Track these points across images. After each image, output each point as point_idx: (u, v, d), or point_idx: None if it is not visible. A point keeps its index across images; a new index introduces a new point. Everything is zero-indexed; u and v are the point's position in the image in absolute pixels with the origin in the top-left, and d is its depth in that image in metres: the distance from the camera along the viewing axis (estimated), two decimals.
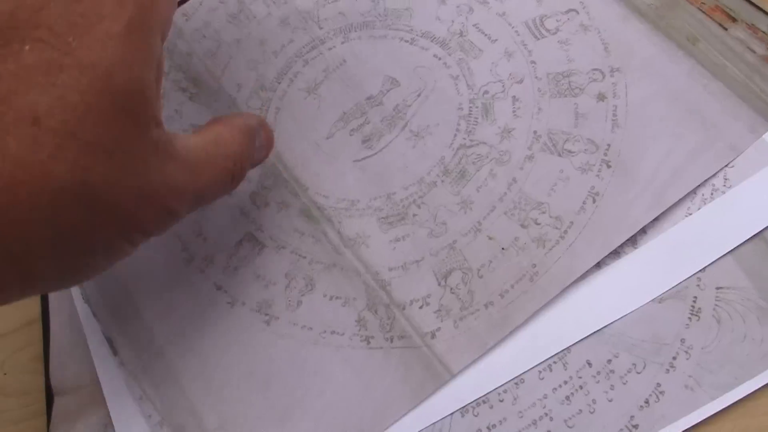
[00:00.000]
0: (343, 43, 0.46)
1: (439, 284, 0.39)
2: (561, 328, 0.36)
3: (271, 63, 0.46)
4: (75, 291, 0.43)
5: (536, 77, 0.42)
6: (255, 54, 0.46)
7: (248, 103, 0.45)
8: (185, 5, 0.48)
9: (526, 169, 0.40)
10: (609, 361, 0.35)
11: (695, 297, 0.36)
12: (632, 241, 0.39)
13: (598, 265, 0.39)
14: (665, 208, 0.39)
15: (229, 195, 0.38)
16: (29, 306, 0.43)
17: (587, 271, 0.38)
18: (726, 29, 0.42)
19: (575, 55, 0.42)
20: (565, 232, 0.38)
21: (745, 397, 0.34)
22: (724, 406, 0.34)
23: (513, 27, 0.44)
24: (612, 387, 0.35)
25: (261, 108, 0.45)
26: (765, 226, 0.37)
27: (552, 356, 0.36)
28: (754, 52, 0.41)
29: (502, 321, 0.36)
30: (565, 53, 0.42)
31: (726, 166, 0.39)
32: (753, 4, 0.42)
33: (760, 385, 0.34)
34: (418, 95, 0.43)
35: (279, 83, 0.45)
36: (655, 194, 0.39)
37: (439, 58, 0.44)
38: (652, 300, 0.37)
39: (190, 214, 0.32)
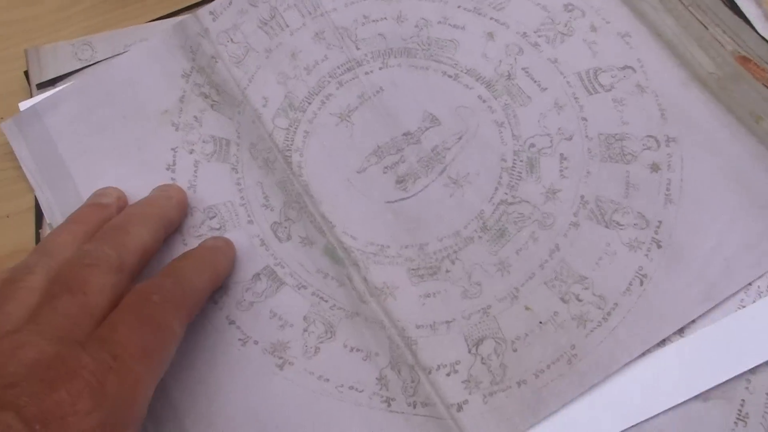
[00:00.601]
0: (381, 68, 0.40)
1: (470, 351, 0.36)
2: (596, 418, 0.33)
3: (302, 80, 0.41)
4: None
5: (587, 136, 0.37)
6: (285, 67, 0.41)
7: (274, 121, 0.39)
8: (214, 3, 0.42)
9: (570, 236, 0.35)
10: None
11: (743, 400, 0.32)
12: (679, 328, 0.35)
13: None
14: (718, 302, 0.35)
15: (249, 222, 0.38)
16: None
17: None
18: None
19: (629, 118, 0.38)
20: (609, 313, 0.34)
21: None
22: None
23: (565, 77, 0.39)
24: None
25: (288, 128, 0.39)
26: None
27: None
28: None
29: (536, 404, 0.33)
30: (619, 114, 0.38)
31: None
32: None
33: None
34: (459, 138, 0.38)
35: (309, 104, 0.40)
36: (708, 285, 0.36)
37: (484, 100, 0.39)
38: (696, 397, 0.34)
39: None
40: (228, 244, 0.38)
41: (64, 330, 0.29)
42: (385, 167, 0.39)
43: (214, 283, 0.37)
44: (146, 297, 0.32)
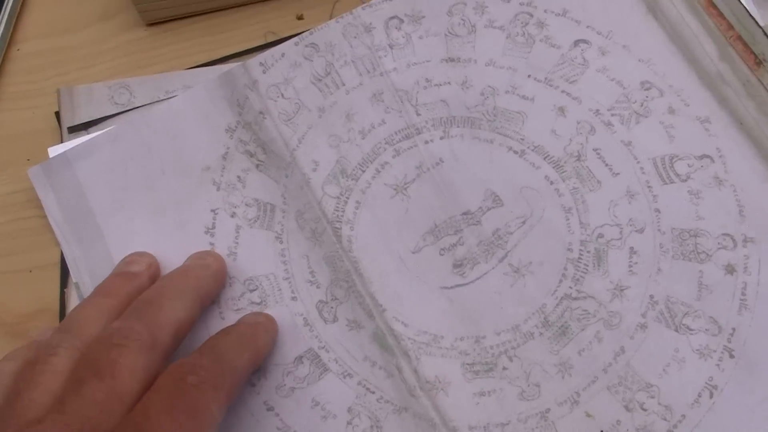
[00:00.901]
0: (442, 138, 0.42)
1: None
2: None
3: (356, 144, 0.43)
4: None
5: (659, 230, 0.40)
6: (339, 129, 0.43)
7: (324, 188, 0.41)
8: (264, 54, 0.44)
9: (637, 339, 0.38)
10: None
11: None
12: None
13: None
14: None
15: (293, 299, 0.39)
16: None
17: None
18: None
19: (705, 213, 0.40)
20: (675, 426, 0.36)
21: None
22: None
23: (638, 162, 0.41)
24: None
25: (339, 197, 0.41)
26: None
27: None
28: None
29: None
30: (694, 207, 0.40)
31: None
32: None
33: None
34: (523, 222, 0.40)
35: (363, 171, 0.42)
36: None
37: (551, 182, 0.41)
38: None
39: None
40: (270, 320, 0.40)
41: (92, 419, 0.30)
42: (442, 249, 0.40)
43: (255, 362, 0.38)
44: (182, 378, 0.33)
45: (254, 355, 0.38)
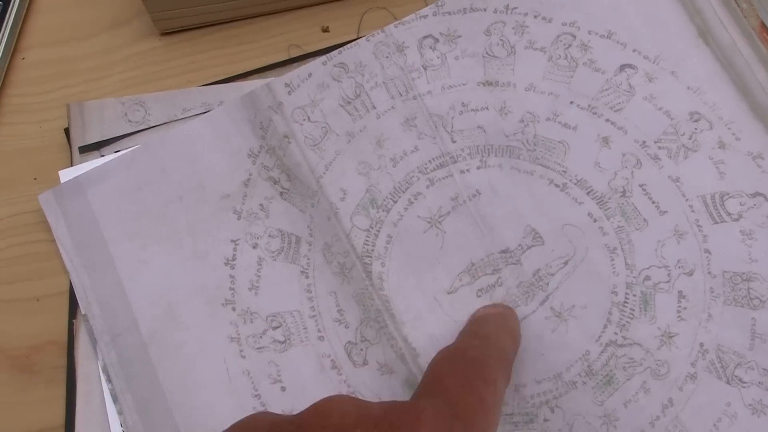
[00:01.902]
0: (479, 168, 0.41)
1: None
2: None
3: (387, 172, 0.42)
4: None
5: (710, 272, 0.39)
6: (369, 156, 0.42)
7: (353, 220, 0.40)
8: (291, 74, 0.43)
9: (686, 391, 0.37)
10: None
11: None
12: None
13: None
14: None
15: (320, 338, 0.39)
16: None
17: None
18: None
19: (759, 255, 0.40)
20: None
21: None
22: None
23: (687, 199, 0.40)
24: None
25: (369, 230, 0.40)
26: None
27: None
28: None
29: None
30: (747, 249, 0.39)
31: None
32: None
33: None
34: (565, 263, 0.39)
35: (395, 202, 0.41)
36: None
37: (595, 220, 0.40)
38: None
39: None
40: (508, 307, 0.41)
41: None
42: (479, 290, 0.40)
43: (515, 346, 0.38)
44: (462, 354, 0.34)
45: (514, 339, 0.38)
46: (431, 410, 0.29)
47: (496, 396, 0.31)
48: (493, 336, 0.37)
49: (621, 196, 0.42)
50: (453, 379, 0.32)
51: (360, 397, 0.36)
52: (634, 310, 0.39)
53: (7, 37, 0.49)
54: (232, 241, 0.42)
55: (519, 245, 0.41)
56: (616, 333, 0.39)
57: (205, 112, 0.46)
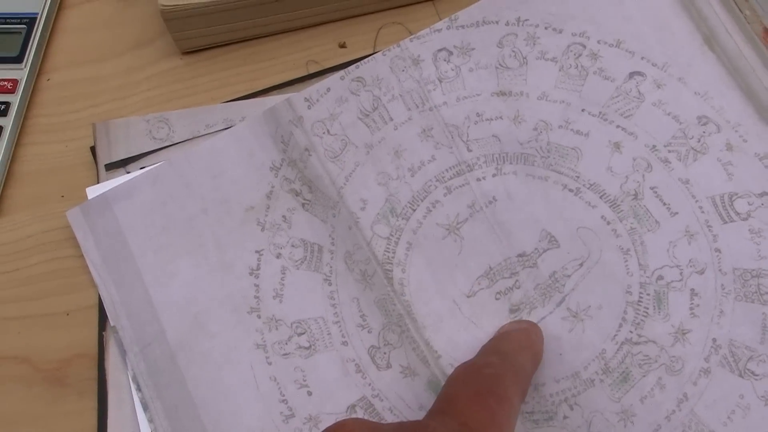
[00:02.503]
0: (495, 175, 0.44)
1: None
2: None
3: (405, 182, 0.45)
4: None
5: (720, 270, 0.41)
6: (387, 166, 0.45)
7: (373, 228, 0.43)
8: (310, 89, 0.46)
9: (700, 385, 0.39)
10: None
11: None
12: None
13: None
14: None
15: (344, 343, 0.41)
16: None
17: None
18: None
19: None
20: None
21: None
22: None
23: (697, 201, 0.43)
24: None
25: (389, 238, 0.43)
26: None
27: None
28: None
29: None
30: (756, 247, 0.42)
31: None
32: None
33: None
34: (580, 265, 0.42)
35: (413, 210, 0.44)
36: None
37: (608, 222, 0.42)
38: None
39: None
40: (534, 324, 0.42)
41: None
42: (498, 292, 0.42)
43: (535, 363, 0.40)
44: (478, 370, 0.36)
45: (534, 356, 0.40)
46: (442, 429, 0.31)
47: (509, 413, 0.33)
48: (512, 353, 0.38)
49: (633, 198, 0.44)
50: (466, 395, 0.34)
51: (384, 400, 0.39)
52: (648, 308, 0.42)
53: (33, 59, 0.51)
54: (257, 251, 0.44)
55: (535, 249, 0.43)
56: (631, 331, 0.41)
57: (228, 128, 0.48)
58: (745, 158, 0.44)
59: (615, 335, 0.41)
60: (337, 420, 0.32)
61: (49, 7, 0.53)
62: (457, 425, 0.32)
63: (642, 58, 0.46)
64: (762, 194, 0.43)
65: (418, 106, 0.47)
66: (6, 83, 0.50)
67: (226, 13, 0.49)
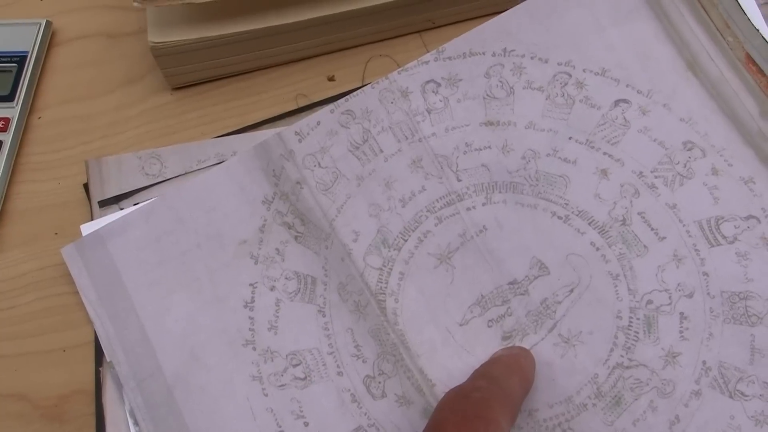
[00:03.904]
0: (484, 204, 0.46)
1: None
2: None
3: (397, 213, 0.47)
4: None
5: (708, 294, 0.44)
6: (379, 197, 0.47)
7: (366, 259, 0.45)
8: (300, 122, 0.48)
9: (691, 407, 0.42)
10: None
11: None
12: None
13: None
14: None
15: (339, 374, 0.43)
16: None
17: None
18: None
19: (755, 274, 0.45)
20: None
21: None
22: None
23: (684, 225, 0.45)
24: None
25: (382, 268, 0.45)
26: None
27: None
28: None
29: None
30: (743, 270, 0.44)
31: None
32: None
33: None
34: (571, 291, 0.44)
35: (405, 241, 0.46)
36: None
37: (597, 248, 0.45)
38: None
39: None
40: (525, 350, 0.44)
41: None
42: (490, 320, 0.45)
43: (525, 387, 0.42)
44: (466, 396, 0.38)
45: (524, 380, 0.42)
46: None
47: None
48: (501, 377, 0.39)
49: (621, 224, 0.47)
50: (454, 420, 0.36)
51: (380, 430, 0.41)
52: (638, 332, 0.44)
53: (24, 97, 0.54)
54: (251, 284, 0.47)
55: (526, 276, 0.46)
56: (622, 356, 0.44)
57: (220, 163, 0.51)
58: (730, 182, 0.47)
59: (606, 360, 0.44)
60: None
61: (40, 46, 0.56)
62: None
63: (627, 85, 0.49)
64: (748, 217, 0.46)
65: (407, 138, 0.49)
66: None
67: (216, 48, 0.52)
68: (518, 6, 0.51)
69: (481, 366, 0.42)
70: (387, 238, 0.47)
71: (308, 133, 0.49)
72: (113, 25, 0.58)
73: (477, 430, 0.35)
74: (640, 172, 0.47)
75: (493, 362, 0.42)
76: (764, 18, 0.49)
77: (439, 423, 0.36)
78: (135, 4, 0.47)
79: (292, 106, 0.53)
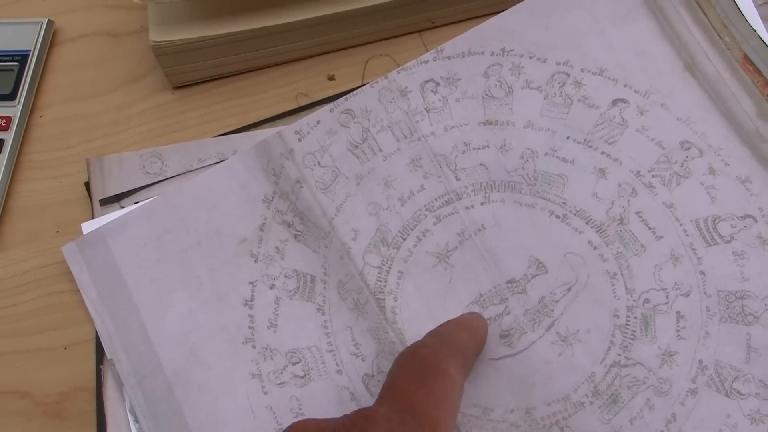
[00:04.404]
0: (483, 204, 0.47)
1: None
2: None
3: (395, 212, 0.48)
4: None
5: (705, 293, 0.44)
6: (378, 196, 0.48)
7: (365, 258, 0.46)
8: (300, 122, 0.49)
9: (687, 405, 0.42)
10: None
11: None
12: None
13: None
14: None
15: (338, 372, 0.44)
16: None
17: None
18: None
19: (751, 274, 0.45)
20: None
21: None
22: None
23: (681, 224, 0.46)
24: None
25: (381, 267, 0.46)
26: None
27: None
28: None
29: None
30: (739, 269, 0.45)
31: None
32: None
33: None
34: (568, 290, 0.45)
35: (404, 239, 0.47)
36: None
37: (595, 247, 0.45)
38: None
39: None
40: (475, 313, 0.46)
41: None
42: (489, 319, 0.45)
43: (476, 342, 0.43)
44: (414, 352, 0.39)
45: (474, 335, 0.43)
46: (383, 410, 0.35)
47: (448, 386, 0.36)
48: (450, 333, 0.41)
49: (619, 223, 0.47)
50: (404, 377, 0.37)
51: None
52: (635, 331, 0.45)
53: (26, 96, 0.55)
54: (250, 282, 0.47)
55: (524, 275, 0.46)
56: (619, 354, 0.44)
57: (220, 162, 0.51)
58: (727, 181, 0.47)
59: (604, 358, 0.44)
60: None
61: (41, 45, 0.56)
62: (400, 406, 0.35)
63: (625, 85, 0.50)
64: (744, 217, 0.46)
65: (406, 137, 0.50)
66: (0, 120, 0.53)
67: (217, 47, 0.53)
68: (517, 6, 0.52)
69: (432, 330, 0.42)
70: (386, 237, 0.47)
71: (308, 133, 0.50)
72: (115, 24, 0.59)
73: (426, 382, 0.36)
74: (638, 172, 0.48)
75: (443, 324, 0.43)
76: (761, 18, 0.50)
77: (392, 381, 0.37)
78: (135, 0, 0.48)
79: (293, 105, 0.54)
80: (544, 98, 0.49)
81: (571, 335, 0.44)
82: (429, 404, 0.35)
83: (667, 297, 0.45)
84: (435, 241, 0.47)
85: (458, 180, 0.48)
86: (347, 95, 0.50)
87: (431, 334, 0.42)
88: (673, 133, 0.48)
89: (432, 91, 0.50)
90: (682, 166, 0.47)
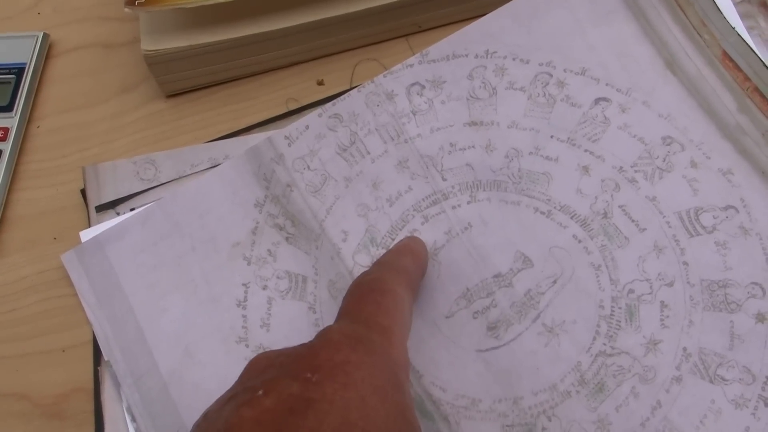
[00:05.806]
0: (469, 202, 0.49)
1: None
2: None
3: (384, 213, 0.49)
4: None
5: (688, 282, 0.46)
6: (366, 198, 0.50)
7: (355, 258, 0.48)
8: (289, 127, 0.51)
9: (672, 392, 0.44)
10: None
11: None
12: None
13: None
14: None
15: None
16: None
17: None
18: None
19: (733, 263, 0.47)
20: None
21: None
22: None
23: (664, 216, 0.47)
24: None
25: (370, 266, 0.47)
26: None
27: None
28: None
29: None
30: (722, 258, 0.46)
31: None
32: None
33: None
34: (554, 282, 0.46)
35: (393, 239, 0.49)
36: None
37: (579, 241, 0.47)
38: None
39: None
40: (413, 236, 0.49)
41: None
42: (476, 312, 0.47)
43: (418, 263, 0.46)
44: (360, 281, 0.41)
45: (416, 257, 0.46)
46: (335, 327, 0.37)
47: (395, 301, 0.38)
48: (391, 259, 0.44)
49: (603, 217, 0.49)
50: (354, 300, 0.40)
51: None
52: (620, 321, 0.47)
53: (22, 108, 0.57)
54: (243, 284, 0.49)
55: (510, 269, 0.48)
56: (604, 344, 0.46)
57: (213, 167, 0.53)
58: (709, 174, 0.49)
59: (589, 348, 0.46)
60: None
61: (37, 57, 0.59)
62: (352, 318, 0.38)
63: (607, 84, 0.52)
64: (726, 207, 0.48)
65: (393, 139, 0.52)
66: None
67: (207, 55, 0.55)
68: (500, 8, 0.53)
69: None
70: (375, 237, 0.49)
71: (297, 137, 0.52)
72: (108, 35, 0.61)
73: (375, 300, 0.38)
74: (621, 167, 0.50)
75: (385, 253, 0.46)
76: (739, 16, 0.52)
77: (344, 306, 0.40)
78: (126, 9, 0.50)
79: (283, 110, 0.56)
80: (528, 98, 0.51)
81: (557, 326, 0.46)
82: (379, 314, 0.38)
83: (651, 287, 0.47)
84: (423, 239, 0.49)
85: (445, 180, 0.50)
86: (335, 100, 0.52)
87: (376, 263, 0.44)
88: (655, 130, 0.50)
89: (418, 94, 0.52)
90: (664, 160, 0.49)
